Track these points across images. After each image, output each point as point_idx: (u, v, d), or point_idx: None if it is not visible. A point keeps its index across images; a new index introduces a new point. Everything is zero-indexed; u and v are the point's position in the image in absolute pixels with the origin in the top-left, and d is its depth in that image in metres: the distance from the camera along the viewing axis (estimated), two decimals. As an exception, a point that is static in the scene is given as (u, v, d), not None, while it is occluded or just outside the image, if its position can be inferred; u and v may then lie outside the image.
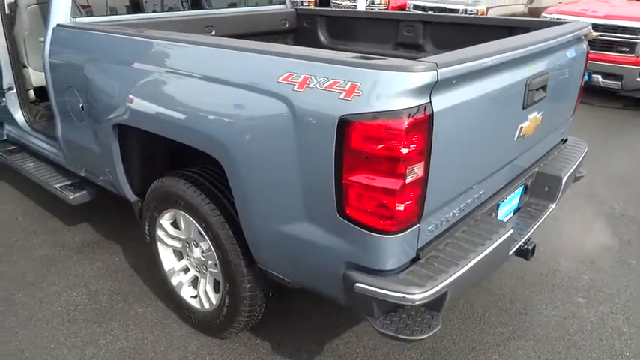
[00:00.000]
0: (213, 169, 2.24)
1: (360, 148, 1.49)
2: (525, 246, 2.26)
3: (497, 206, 2.17)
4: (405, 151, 1.46)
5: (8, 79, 3.57)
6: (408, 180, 1.50)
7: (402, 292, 1.56)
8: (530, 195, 2.49)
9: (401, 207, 1.53)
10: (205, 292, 2.37)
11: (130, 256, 3.09)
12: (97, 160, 2.68)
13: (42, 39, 2.85)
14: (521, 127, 2.06)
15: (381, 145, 1.46)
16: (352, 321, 2.55)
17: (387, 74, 1.46)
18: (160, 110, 2.07)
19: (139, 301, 2.70)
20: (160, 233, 2.47)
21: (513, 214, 2.40)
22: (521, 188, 2.38)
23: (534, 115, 2.13)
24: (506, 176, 2.18)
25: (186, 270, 2.50)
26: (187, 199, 2.17)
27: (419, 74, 1.44)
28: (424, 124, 1.48)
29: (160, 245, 2.52)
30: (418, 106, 1.46)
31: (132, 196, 2.63)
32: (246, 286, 2.11)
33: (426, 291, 1.57)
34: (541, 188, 2.47)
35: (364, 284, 1.60)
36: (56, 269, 2.98)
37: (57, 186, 3.14)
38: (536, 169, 2.45)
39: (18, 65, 3.61)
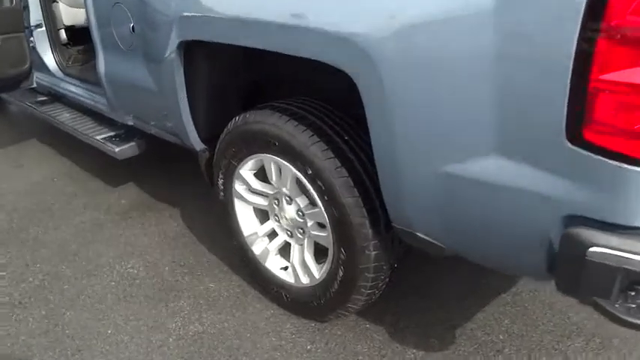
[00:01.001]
0: (316, 101, 1.67)
1: (634, 22, 0.89)
2: None
3: None
4: None
5: (36, 16, 3.03)
6: None
7: (682, 262, 0.98)
8: None
9: (693, 122, 0.93)
10: (303, 262, 1.82)
11: (189, 220, 2.56)
12: (152, 99, 2.13)
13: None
14: None
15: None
16: (480, 300, 1.98)
17: None
18: (255, 7, 1.49)
19: (209, 274, 2.17)
20: (238, 188, 1.92)
21: None
22: None
23: None
24: None
25: (271, 235, 1.96)
26: (285, 138, 1.60)
27: None
28: None
29: (237, 203, 1.97)
30: None
31: (198, 144, 2.08)
32: (370, 253, 1.55)
33: None
34: None
35: (609, 249, 1.02)
36: (103, 236, 2.48)
37: (99, 138, 2.62)
38: None
39: (47, -1, 3.06)
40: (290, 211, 1.80)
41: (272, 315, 1.93)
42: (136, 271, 2.21)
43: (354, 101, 1.34)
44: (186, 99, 1.95)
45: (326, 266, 1.72)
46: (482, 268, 1.46)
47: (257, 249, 1.98)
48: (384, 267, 1.61)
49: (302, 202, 1.74)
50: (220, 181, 1.97)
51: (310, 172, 1.58)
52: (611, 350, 1.76)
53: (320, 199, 1.60)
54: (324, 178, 1.54)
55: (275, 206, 1.87)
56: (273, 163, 1.73)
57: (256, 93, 2.16)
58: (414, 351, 1.76)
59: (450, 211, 1.30)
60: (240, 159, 1.84)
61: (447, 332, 1.84)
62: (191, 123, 2.01)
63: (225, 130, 1.86)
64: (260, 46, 1.51)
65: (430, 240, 1.40)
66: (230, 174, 1.91)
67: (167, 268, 2.22)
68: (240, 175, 1.88)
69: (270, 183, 1.80)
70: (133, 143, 2.55)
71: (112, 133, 2.62)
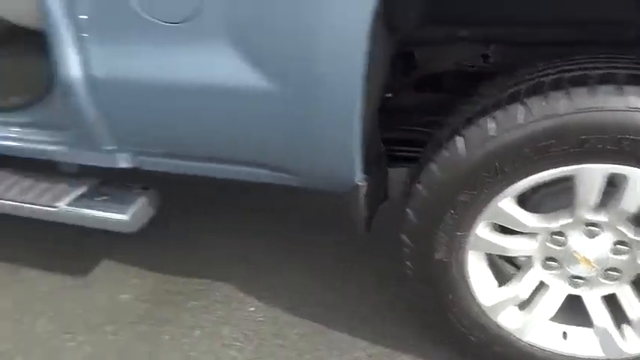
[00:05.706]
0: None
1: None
2: None
3: None
4: None
5: None
6: None
7: None
8: None
9: None
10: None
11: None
12: (247, 109, 1.14)
13: None
14: None
15: None
16: None
17: None
18: None
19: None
20: (482, 232, 1.11)
21: None
22: None
23: None
24: None
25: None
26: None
27: None
28: None
29: (472, 258, 1.16)
30: None
31: (358, 173, 1.16)
32: None
33: None
34: None
35: None
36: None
37: (79, 206, 1.44)
38: None
39: None
40: (595, 247, 1.08)
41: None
42: None
43: None
44: (361, 94, 1.03)
45: None
46: None
47: (509, 319, 1.20)
48: None
49: (627, 229, 1.04)
50: (445, 231, 1.12)
51: None
52: None
53: None
54: None
55: (551, 246, 1.11)
56: (600, 176, 0.98)
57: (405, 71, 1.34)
58: None
59: None
60: (509, 183, 1.03)
61: None
62: (359, 138, 1.09)
63: (482, 135, 1.02)
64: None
65: None
66: (471, 214, 1.09)
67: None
68: (499, 210, 1.07)
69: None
70: (142, 199, 1.46)
71: (105, 196, 1.46)
